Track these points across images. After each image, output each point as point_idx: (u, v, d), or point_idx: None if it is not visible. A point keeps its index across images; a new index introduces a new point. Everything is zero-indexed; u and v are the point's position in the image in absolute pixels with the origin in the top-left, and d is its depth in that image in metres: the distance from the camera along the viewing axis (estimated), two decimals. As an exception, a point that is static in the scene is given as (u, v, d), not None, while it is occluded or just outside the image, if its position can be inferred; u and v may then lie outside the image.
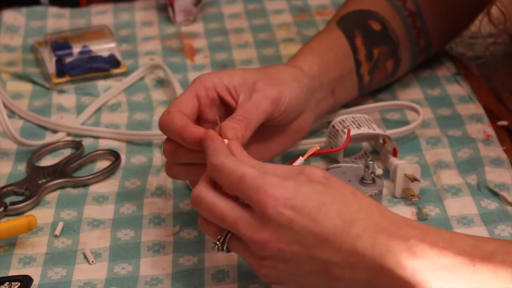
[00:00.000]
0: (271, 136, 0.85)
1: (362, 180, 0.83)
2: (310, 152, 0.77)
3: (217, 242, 0.71)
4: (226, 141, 0.74)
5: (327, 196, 0.68)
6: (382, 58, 0.96)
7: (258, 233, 0.68)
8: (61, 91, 1.07)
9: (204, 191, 0.70)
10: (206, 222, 0.71)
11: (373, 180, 0.83)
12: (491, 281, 0.65)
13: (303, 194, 0.67)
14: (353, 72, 0.94)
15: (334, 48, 0.93)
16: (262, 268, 0.69)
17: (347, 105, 0.99)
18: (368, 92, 1.00)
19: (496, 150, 0.92)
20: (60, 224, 0.85)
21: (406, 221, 0.68)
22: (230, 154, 0.71)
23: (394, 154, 0.90)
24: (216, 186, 0.71)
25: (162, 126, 0.78)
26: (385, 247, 0.66)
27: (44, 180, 0.91)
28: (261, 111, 0.80)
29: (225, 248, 0.71)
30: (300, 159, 0.77)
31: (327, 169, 0.85)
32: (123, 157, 0.95)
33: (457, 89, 1.04)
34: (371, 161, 0.82)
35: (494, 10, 0.97)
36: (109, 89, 1.06)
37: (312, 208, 0.67)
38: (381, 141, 0.91)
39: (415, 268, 0.65)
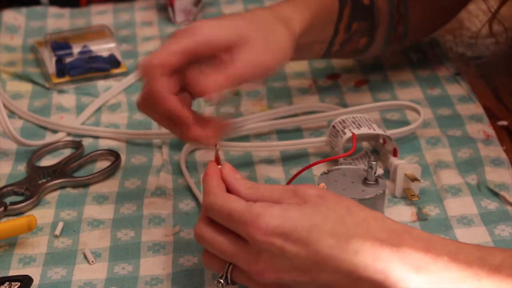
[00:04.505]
0: None
1: (365, 181, 0.83)
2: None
3: (221, 280, 0.71)
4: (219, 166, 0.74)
5: (318, 217, 0.67)
6: (358, 33, 0.95)
7: (254, 265, 0.68)
8: (61, 91, 1.06)
9: (203, 229, 0.71)
10: (209, 256, 0.72)
11: (376, 180, 0.83)
12: None
13: (291, 218, 0.66)
14: (328, 39, 0.93)
15: (326, 13, 0.91)
16: None
17: (347, 105, 0.99)
18: (330, 59, 1.00)
19: (496, 150, 0.92)
20: (60, 224, 0.85)
21: (409, 232, 0.67)
22: (219, 191, 0.71)
23: (394, 154, 0.90)
24: (214, 221, 0.71)
25: (145, 69, 0.77)
26: (387, 262, 0.65)
27: (44, 180, 0.91)
28: (250, 75, 0.78)
29: (229, 281, 0.71)
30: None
31: (328, 172, 0.84)
32: (123, 157, 0.95)
33: (457, 89, 1.04)
34: (374, 161, 0.82)
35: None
36: (109, 89, 1.06)
37: (302, 232, 0.66)
38: (381, 141, 0.91)
39: (420, 283, 0.64)
